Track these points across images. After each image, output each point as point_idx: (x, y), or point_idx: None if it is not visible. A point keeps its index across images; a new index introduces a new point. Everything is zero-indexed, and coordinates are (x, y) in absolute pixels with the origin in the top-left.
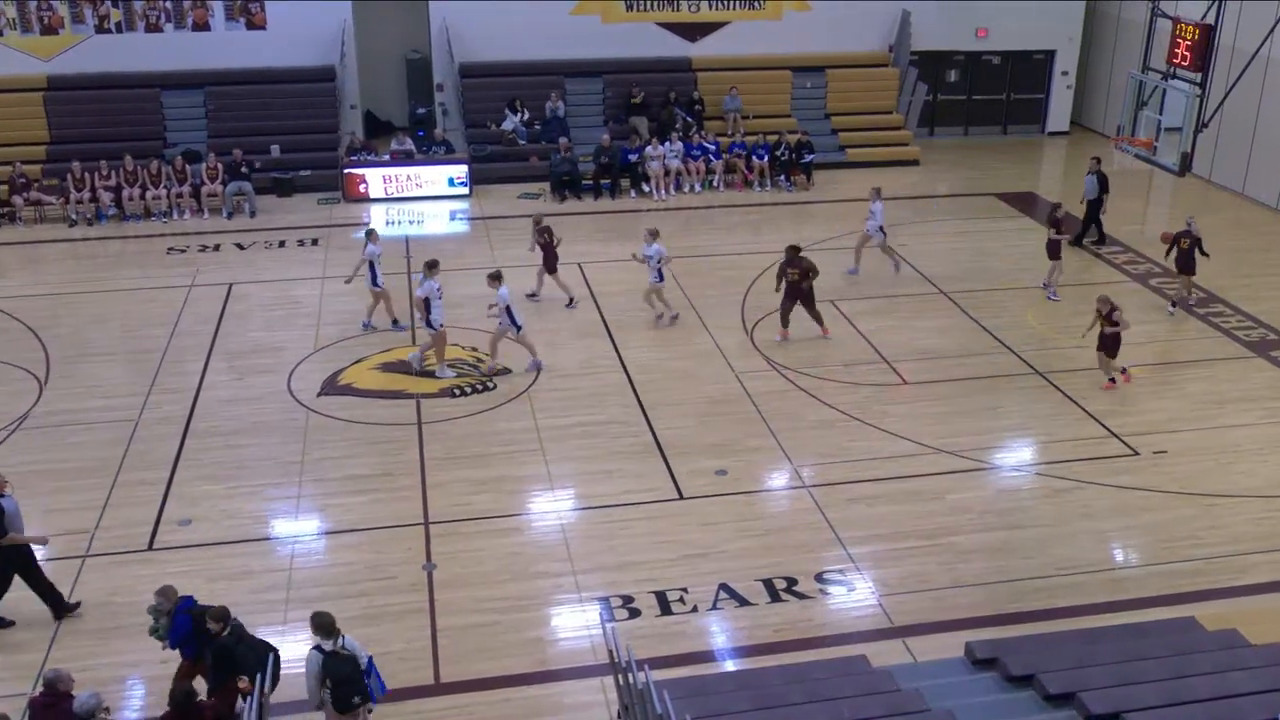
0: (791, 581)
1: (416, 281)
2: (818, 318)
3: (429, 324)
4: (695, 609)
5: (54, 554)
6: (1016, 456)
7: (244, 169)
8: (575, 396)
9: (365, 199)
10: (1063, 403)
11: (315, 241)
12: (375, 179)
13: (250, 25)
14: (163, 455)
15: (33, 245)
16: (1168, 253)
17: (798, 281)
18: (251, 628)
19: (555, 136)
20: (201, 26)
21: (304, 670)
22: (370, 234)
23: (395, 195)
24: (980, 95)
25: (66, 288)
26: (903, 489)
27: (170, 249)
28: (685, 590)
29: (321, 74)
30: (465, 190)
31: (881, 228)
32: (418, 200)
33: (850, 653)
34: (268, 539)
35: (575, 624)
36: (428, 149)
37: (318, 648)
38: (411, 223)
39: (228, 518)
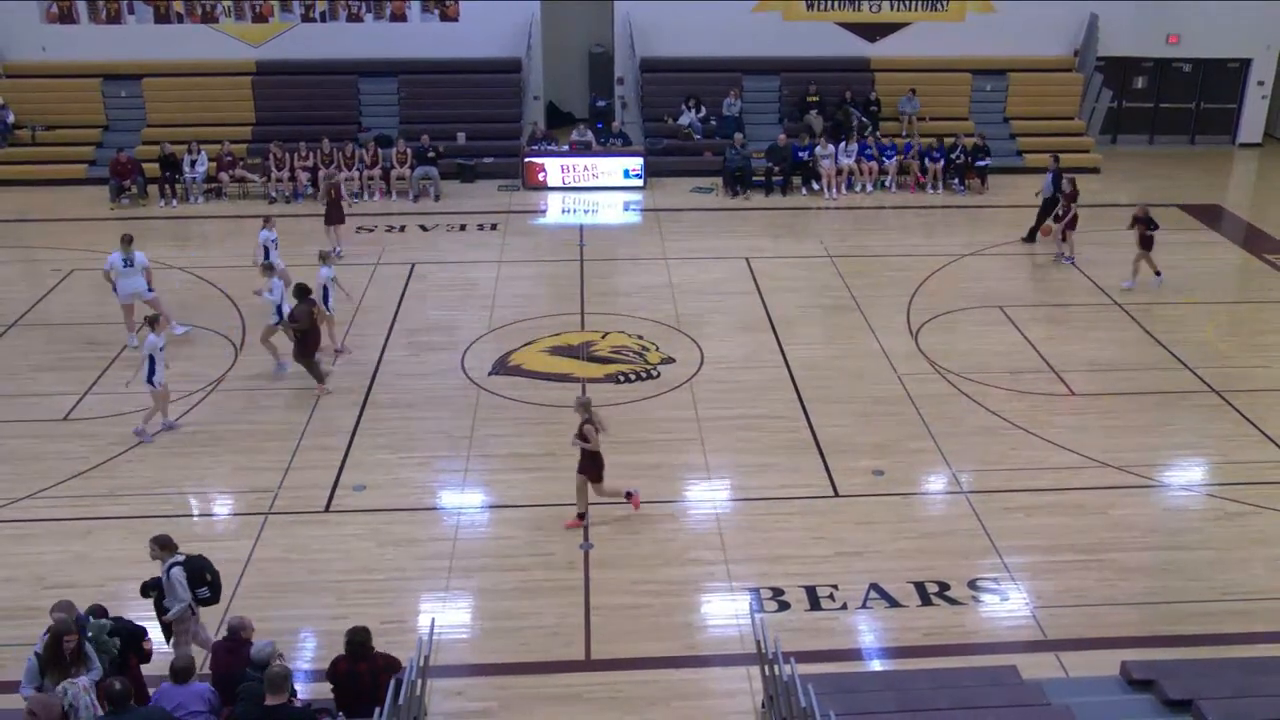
0: (944, 586)
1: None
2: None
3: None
4: (845, 606)
5: (239, 510)
6: (1187, 476)
7: (431, 154)
8: (737, 389)
9: (543, 187)
10: (1240, 424)
11: (494, 226)
12: (554, 168)
13: (444, 17)
14: (343, 423)
15: (235, 220)
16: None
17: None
18: (414, 593)
19: (730, 133)
20: (398, 17)
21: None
22: (323, 257)
23: (572, 184)
24: (1168, 103)
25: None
26: (1064, 501)
27: (359, 228)
28: (836, 587)
29: (508, 65)
30: (640, 182)
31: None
32: (593, 190)
33: (1000, 663)
34: (434, 509)
35: (725, 612)
36: (606, 141)
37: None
38: (586, 212)
39: (399, 486)
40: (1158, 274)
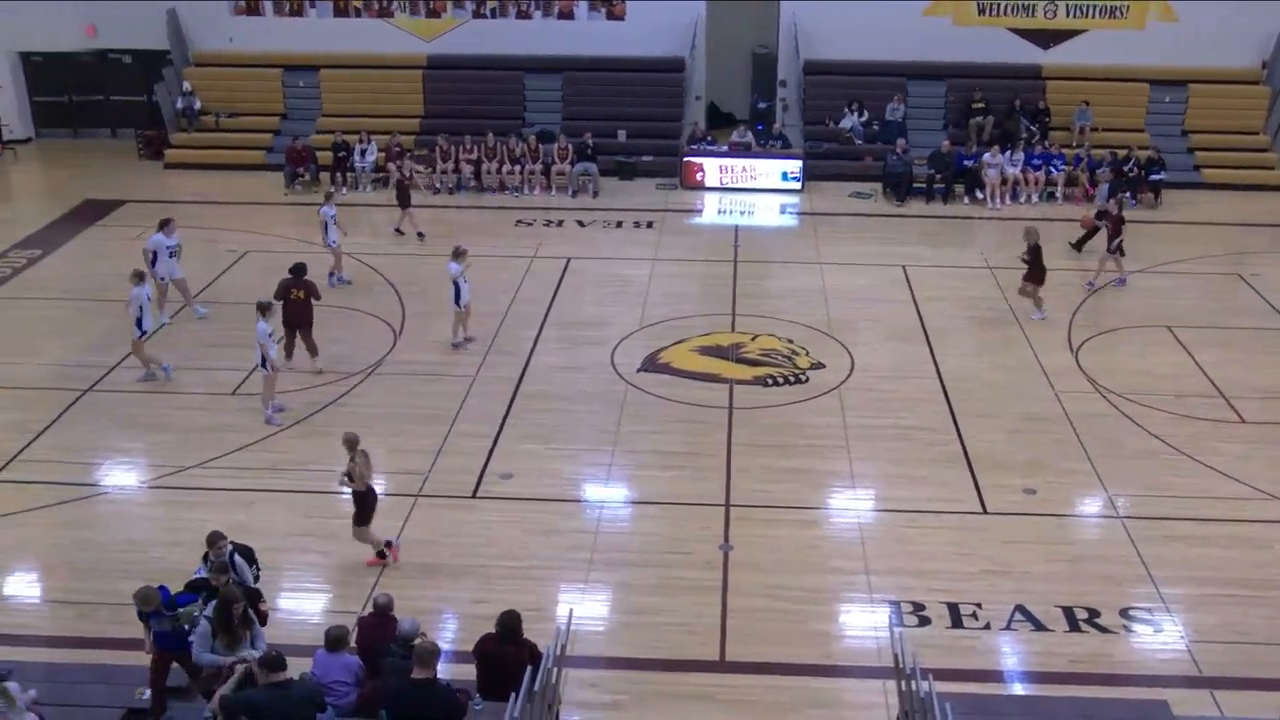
0: (1094, 613)
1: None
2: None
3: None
4: (988, 626)
5: (391, 490)
6: None
7: (591, 151)
8: (886, 398)
9: (701, 187)
10: None
11: (650, 224)
12: (712, 168)
13: (610, 16)
14: (494, 411)
15: (400, 208)
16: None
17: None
18: (554, 582)
19: (892, 138)
20: (566, 15)
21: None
22: (164, 223)
23: (729, 185)
24: None
25: (425, 249)
26: (1228, 533)
27: (518, 221)
28: (979, 606)
29: (671, 65)
30: (797, 185)
31: None
32: (750, 192)
33: (1151, 696)
34: (578, 500)
35: (863, 623)
36: (765, 142)
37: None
38: (742, 213)
39: (545, 476)
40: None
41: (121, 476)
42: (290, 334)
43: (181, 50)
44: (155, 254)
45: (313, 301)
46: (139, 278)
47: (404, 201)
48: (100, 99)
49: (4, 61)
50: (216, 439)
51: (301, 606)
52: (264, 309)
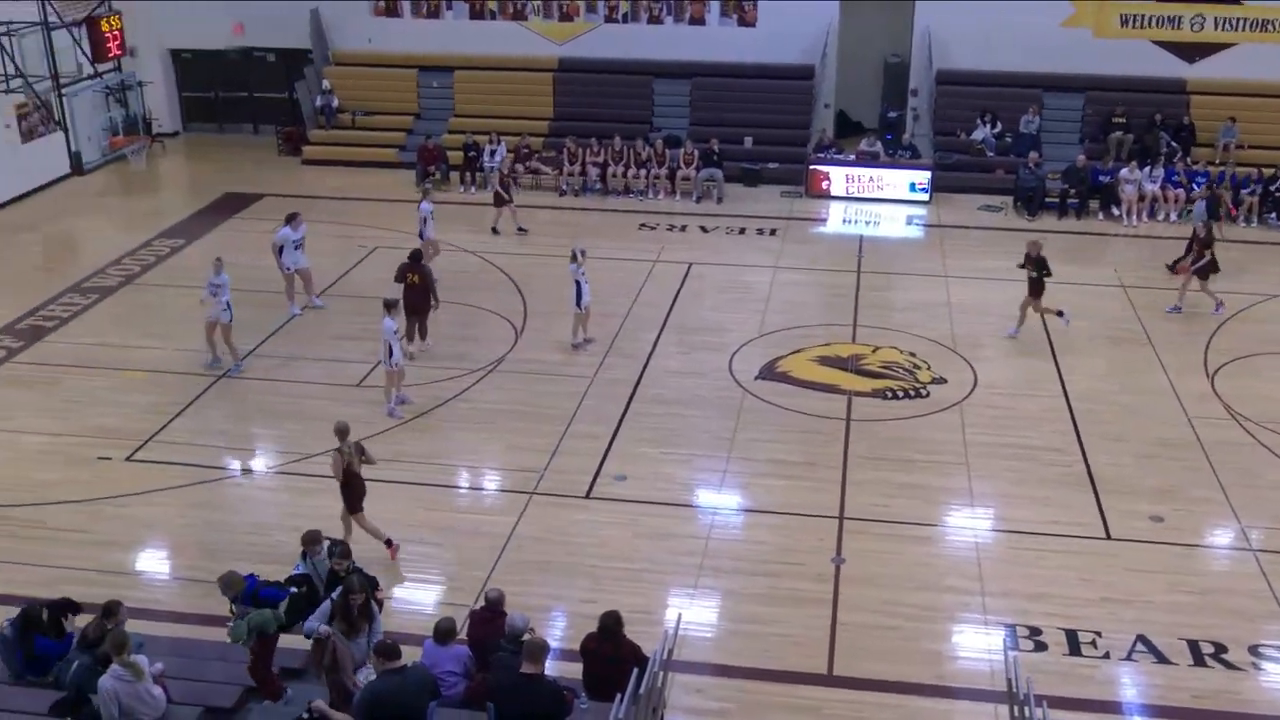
0: (1220, 648)
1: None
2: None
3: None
4: (1107, 655)
5: (507, 487)
6: None
7: (716, 157)
8: (1010, 416)
9: (826, 196)
10: None
11: (773, 232)
12: (838, 177)
13: (741, 22)
14: (610, 413)
15: (526, 209)
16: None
17: None
18: (664, 586)
19: (1025, 151)
20: (697, 21)
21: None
22: (291, 217)
23: (855, 195)
24: None
25: (549, 250)
26: None
27: (642, 225)
28: (1099, 634)
29: (801, 72)
30: (925, 197)
31: None
32: (877, 202)
33: None
34: (691, 506)
35: (977, 645)
36: (894, 152)
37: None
38: (868, 223)
39: (659, 480)
40: (1060, 314)
41: (250, 461)
42: (409, 320)
43: (322, 49)
44: (281, 247)
45: (430, 290)
46: (292, 220)
47: (502, 199)
48: (244, 95)
49: (156, 58)
50: None
51: (414, 597)
52: (389, 306)
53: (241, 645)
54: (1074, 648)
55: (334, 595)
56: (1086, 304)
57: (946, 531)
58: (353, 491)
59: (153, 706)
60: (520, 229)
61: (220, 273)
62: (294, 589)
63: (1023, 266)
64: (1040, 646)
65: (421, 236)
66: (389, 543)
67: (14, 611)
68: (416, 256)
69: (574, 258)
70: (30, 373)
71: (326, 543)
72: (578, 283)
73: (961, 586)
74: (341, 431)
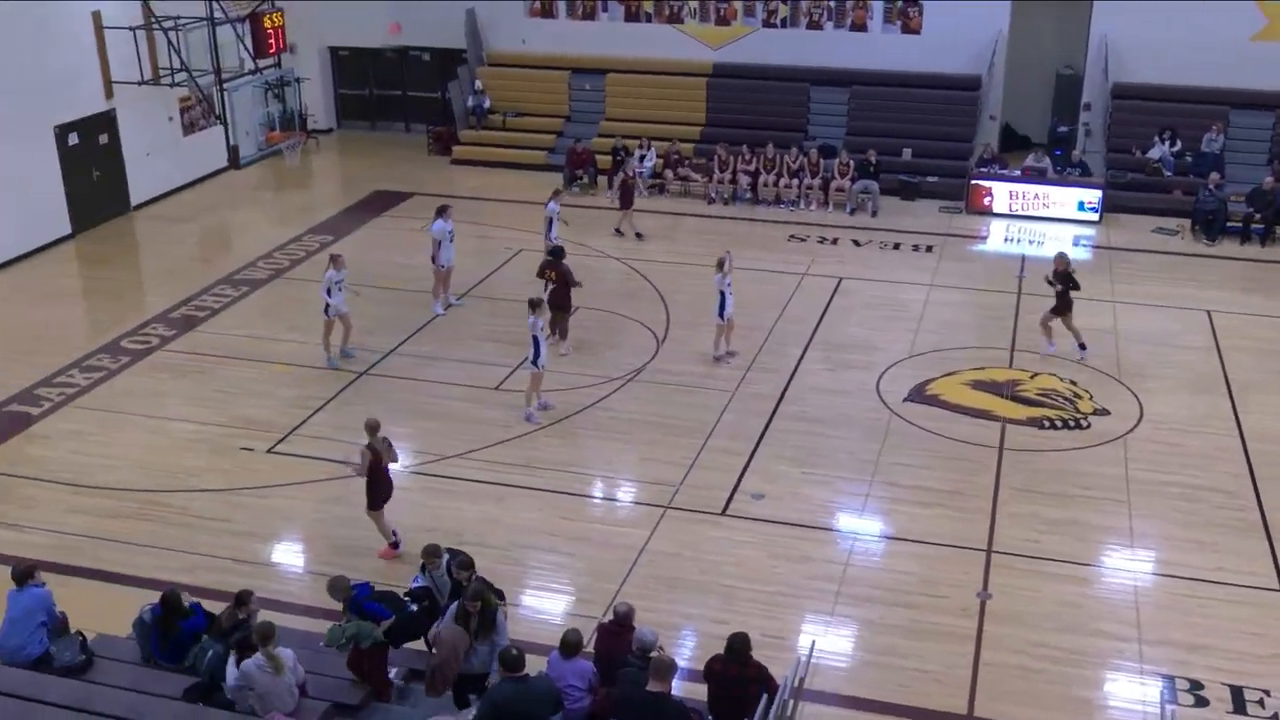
0: None
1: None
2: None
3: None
4: (1276, 716)
5: (641, 499)
6: None
7: (873, 168)
8: (1177, 454)
9: (987, 212)
10: None
11: (930, 248)
12: (1001, 193)
13: (905, 29)
14: (750, 429)
15: (674, 216)
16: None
17: None
18: (798, 611)
19: (1206, 171)
20: (859, 27)
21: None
22: (442, 210)
23: (1019, 212)
24: None
25: (694, 258)
26: None
27: (791, 236)
28: (1268, 693)
29: (966, 82)
30: (1095, 216)
31: None
32: (1042, 220)
33: None
34: (830, 530)
35: (1130, 695)
36: (1062, 169)
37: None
38: (1031, 242)
39: (798, 501)
40: (1082, 346)
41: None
42: (553, 318)
43: (476, 49)
44: (439, 242)
45: (569, 284)
46: (336, 260)
47: (626, 202)
48: (398, 94)
49: (314, 55)
50: (476, 431)
51: (542, 606)
52: (534, 305)
53: (336, 649)
54: (1239, 706)
55: (454, 604)
56: (1269, 337)
57: (1102, 572)
58: (378, 489)
59: (288, 701)
60: (638, 235)
61: (342, 268)
62: (413, 605)
63: (1051, 283)
64: (1201, 702)
65: (547, 237)
66: (395, 545)
67: (152, 595)
68: (556, 254)
69: (720, 266)
70: (182, 361)
71: (445, 556)
72: (722, 293)
73: (1116, 632)
74: (371, 427)
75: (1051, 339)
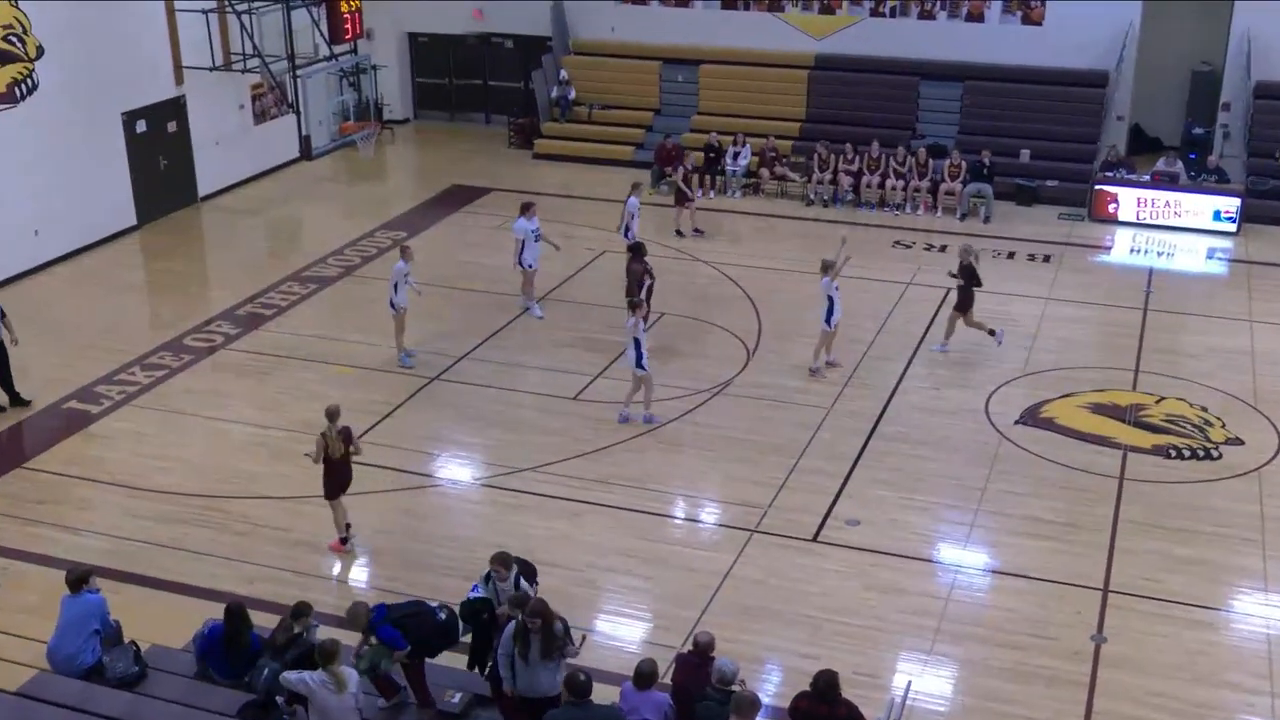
0: None
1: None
2: None
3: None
4: None
5: (725, 521)
6: None
7: (986, 170)
8: None
9: (1112, 220)
10: None
11: (1047, 258)
12: (1128, 200)
13: (1026, 20)
14: (846, 449)
15: (769, 218)
16: None
17: None
18: (893, 648)
19: None
20: (975, 17)
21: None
22: (525, 207)
23: (1147, 221)
24: None
25: (791, 265)
26: None
27: (896, 242)
28: None
29: (1092, 79)
30: (1232, 227)
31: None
32: (1172, 230)
33: None
34: (930, 561)
35: None
36: (1197, 175)
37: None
38: (1160, 254)
39: (896, 528)
40: (991, 333)
41: (456, 470)
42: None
43: (562, 37)
44: (523, 242)
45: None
46: (405, 251)
47: (681, 199)
48: (479, 84)
49: (392, 41)
50: (552, 443)
51: (617, 633)
52: (634, 306)
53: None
54: None
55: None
56: None
57: (1232, 618)
58: (331, 479)
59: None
60: (697, 230)
61: (410, 260)
62: (442, 613)
63: (953, 275)
64: None
65: (626, 235)
66: (344, 540)
67: (209, 606)
68: (635, 250)
69: (825, 269)
70: (245, 361)
71: (516, 569)
72: (830, 298)
73: (1247, 684)
74: (329, 414)
75: (947, 339)
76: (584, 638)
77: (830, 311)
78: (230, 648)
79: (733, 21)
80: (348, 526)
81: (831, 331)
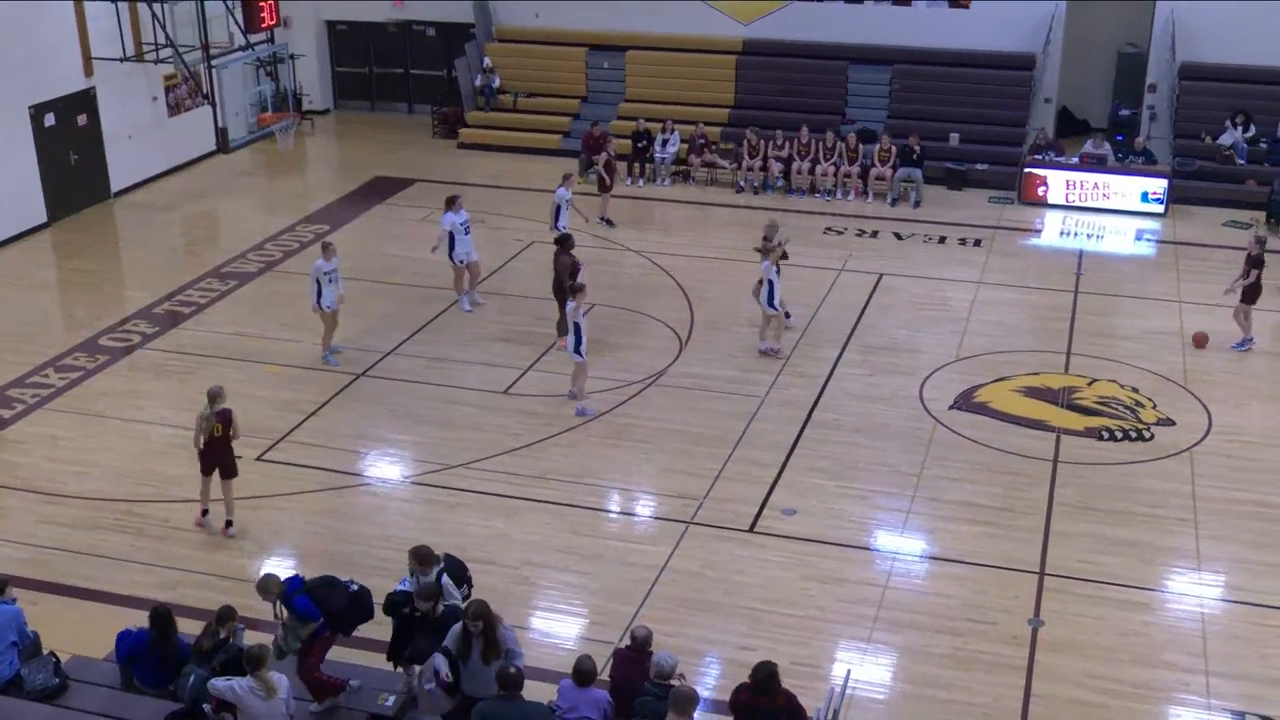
0: None
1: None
2: None
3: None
4: None
5: (661, 514)
6: None
7: (917, 155)
8: (1250, 469)
9: (1041, 203)
10: None
11: (978, 243)
12: (1057, 183)
13: (953, 3)
14: (780, 439)
15: (700, 206)
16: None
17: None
18: (832, 637)
19: None
20: (902, 1)
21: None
22: (451, 201)
23: (1076, 204)
24: None
25: (722, 253)
26: None
27: (827, 229)
28: None
29: (1019, 61)
30: (1160, 209)
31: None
32: (1101, 213)
33: None
34: (868, 549)
35: None
36: (1124, 156)
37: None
38: (1090, 236)
39: (832, 517)
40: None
41: (385, 468)
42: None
43: (485, 24)
44: (453, 235)
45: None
46: (326, 248)
47: (604, 186)
48: (401, 72)
49: (311, 30)
50: (484, 439)
51: (554, 629)
52: (574, 290)
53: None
54: None
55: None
56: None
57: (1166, 598)
58: (206, 458)
59: None
60: (605, 219)
61: (333, 257)
62: (354, 585)
63: (759, 250)
64: None
65: (554, 227)
66: (205, 512)
67: (130, 614)
68: (562, 242)
69: (766, 253)
70: (164, 360)
71: (439, 566)
72: (770, 281)
73: (1181, 663)
74: (210, 395)
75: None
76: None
77: (771, 293)
78: (159, 654)
79: (659, 7)
80: (229, 523)
81: (778, 314)
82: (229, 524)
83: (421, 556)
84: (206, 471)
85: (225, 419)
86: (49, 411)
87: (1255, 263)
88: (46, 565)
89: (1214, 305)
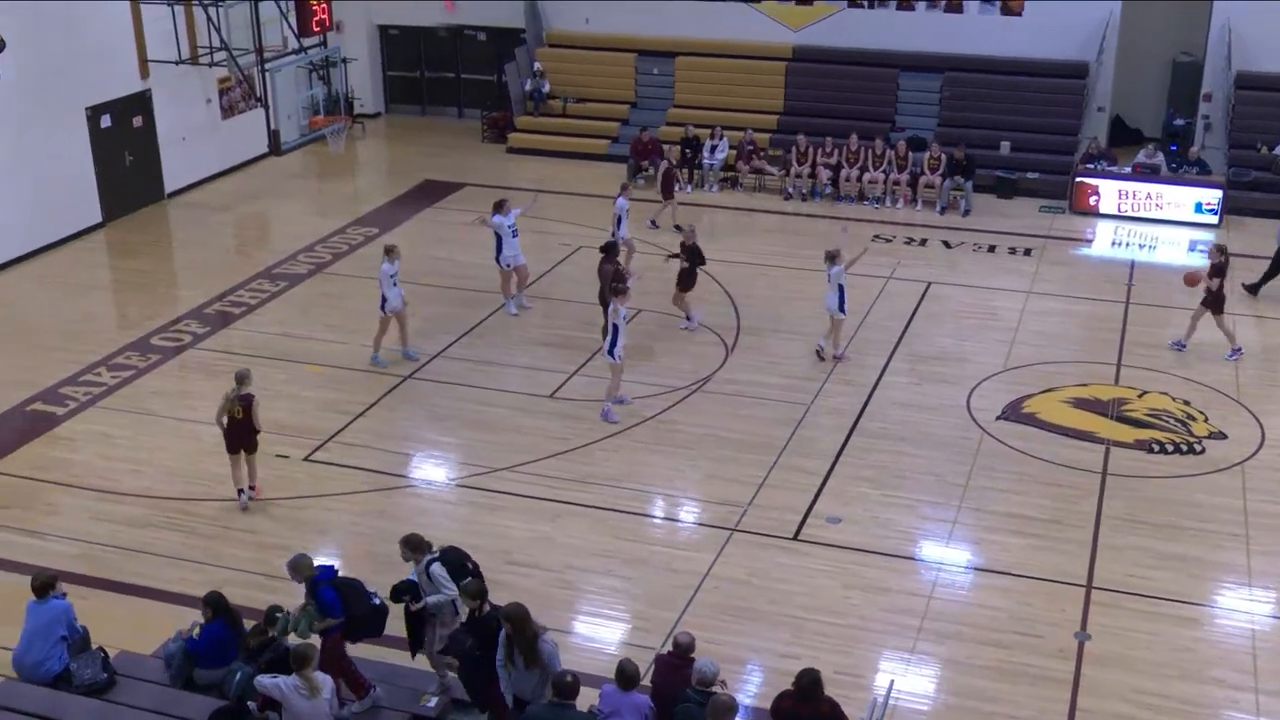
0: None
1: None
2: None
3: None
4: None
5: (705, 521)
6: None
7: (967, 163)
8: None
9: (1093, 212)
10: None
11: (1028, 252)
12: (1109, 192)
13: (1005, 11)
14: (826, 446)
15: (747, 213)
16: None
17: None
18: (875, 647)
19: None
20: (954, 8)
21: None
22: (499, 204)
23: (1129, 214)
24: None
25: (769, 259)
26: None
27: (876, 236)
28: None
29: (1072, 70)
30: (1214, 219)
31: None
32: (1154, 223)
33: None
34: (913, 559)
35: None
36: (1178, 166)
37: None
38: (1142, 247)
39: (878, 526)
40: (689, 317)
41: (430, 470)
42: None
43: (536, 30)
44: (500, 238)
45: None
46: (390, 251)
47: (667, 193)
48: (451, 76)
49: (363, 34)
50: (529, 443)
51: (596, 634)
52: (617, 291)
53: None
54: None
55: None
56: None
57: (1216, 614)
58: (230, 437)
59: None
60: (677, 226)
61: (396, 260)
62: (376, 598)
63: (676, 256)
64: None
65: (617, 235)
66: (240, 492)
67: (181, 614)
68: (606, 250)
69: (832, 259)
70: (214, 360)
71: (430, 555)
72: (840, 286)
73: (1231, 680)
74: (238, 377)
75: (691, 314)
76: None
77: (841, 299)
78: (234, 633)
79: (709, 13)
80: (252, 488)
81: (843, 317)
82: (251, 488)
83: (413, 544)
84: (232, 450)
85: (247, 404)
86: (101, 410)
87: (1217, 271)
88: (98, 561)
89: (1263, 317)
